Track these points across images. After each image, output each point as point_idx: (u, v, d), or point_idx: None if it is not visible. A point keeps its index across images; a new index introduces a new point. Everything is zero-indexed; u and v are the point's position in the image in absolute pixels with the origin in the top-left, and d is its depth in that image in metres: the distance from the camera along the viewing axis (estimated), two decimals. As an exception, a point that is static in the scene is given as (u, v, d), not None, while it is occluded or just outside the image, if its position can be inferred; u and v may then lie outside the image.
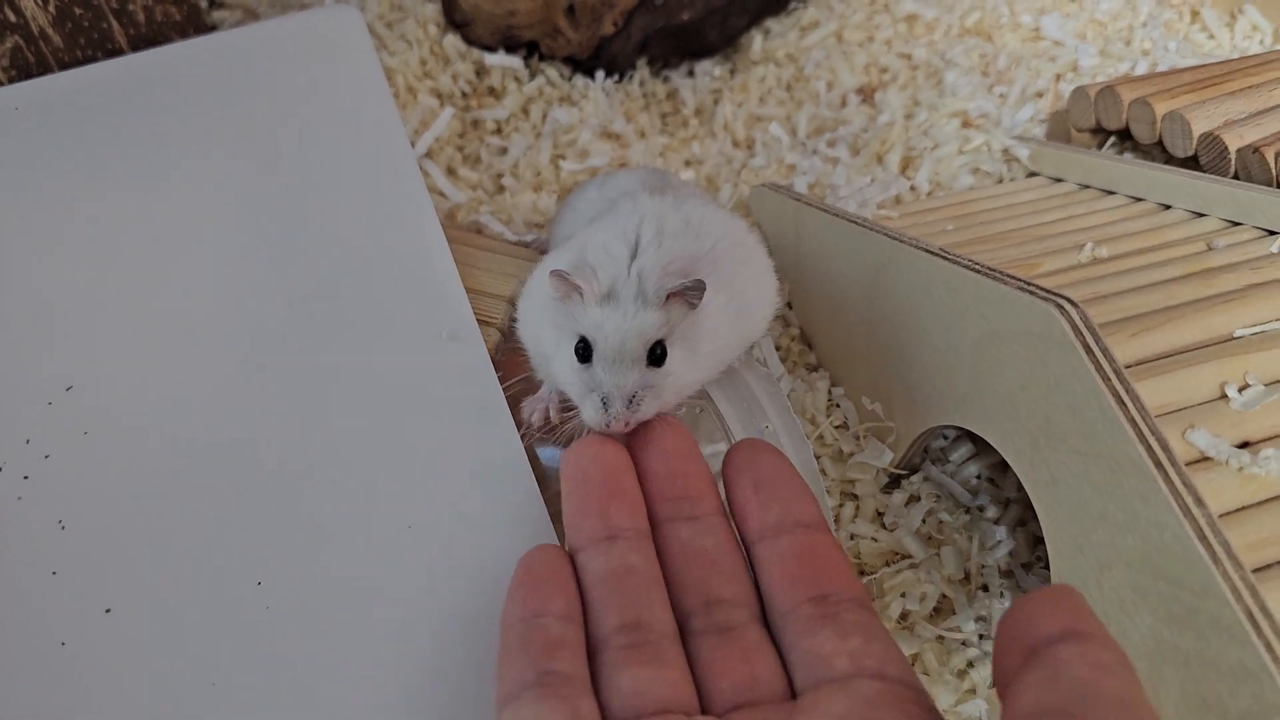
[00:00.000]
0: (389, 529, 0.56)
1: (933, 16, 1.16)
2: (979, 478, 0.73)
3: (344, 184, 0.71)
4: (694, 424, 0.64)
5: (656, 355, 0.55)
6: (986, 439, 0.61)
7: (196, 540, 0.56)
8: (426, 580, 0.54)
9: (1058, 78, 1.08)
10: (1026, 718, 0.33)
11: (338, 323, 0.64)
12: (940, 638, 0.65)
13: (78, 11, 0.83)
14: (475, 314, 0.65)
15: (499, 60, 1.05)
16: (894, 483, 0.73)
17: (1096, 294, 0.63)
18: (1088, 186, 0.87)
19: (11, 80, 0.80)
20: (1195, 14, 1.19)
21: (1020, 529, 0.69)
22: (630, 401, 0.53)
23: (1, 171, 0.69)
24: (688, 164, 1.02)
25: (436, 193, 0.93)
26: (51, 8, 0.81)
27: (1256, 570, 0.47)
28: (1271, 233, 0.70)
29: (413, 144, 0.96)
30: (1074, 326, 0.52)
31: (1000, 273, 0.58)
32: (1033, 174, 0.94)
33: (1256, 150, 0.76)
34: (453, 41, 1.05)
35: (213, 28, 1.06)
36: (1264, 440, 0.53)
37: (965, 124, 1.00)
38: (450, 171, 0.97)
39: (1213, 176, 0.75)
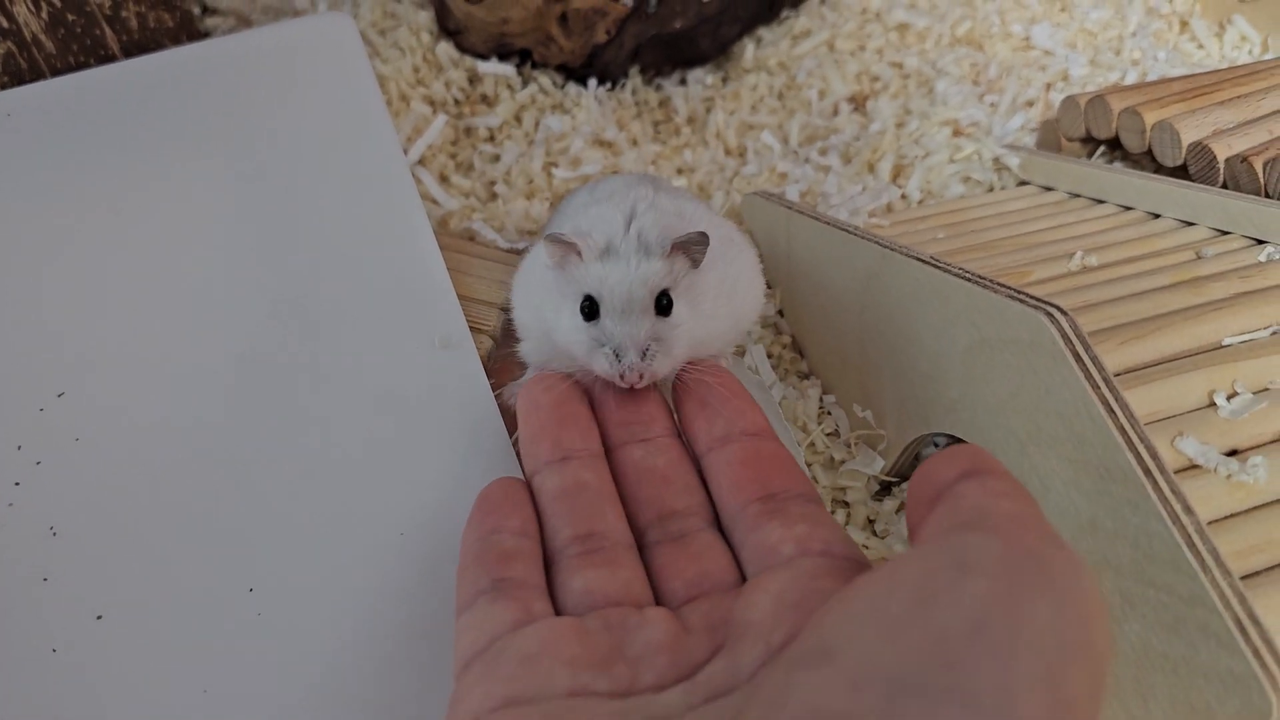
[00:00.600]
0: (381, 535, 0.56)
1: (924, 25, 1.17)
2: (970, 485, 0.73)
3: (336, 191, 0.71)
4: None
5: (663, 305, 0.54)
6: (977, 447, 0.61)
7: (188, 546, 0.56)
8: (419, 587, 0.54)
9: (1048, 87, 1.08)
10: (928, 540, 0.34)
11: (330, 330, 0.65)
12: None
13: (70, 18, 0.83)
14: (468, 321, 0.65)
15: (492, 68, 1.05)
16: (885, 490, 0.73)
17: (1086, 302, 0.64)
18: (1078, 195, 0.87)
19: (4, 87, 0.80)
20: (1184, 24, 1.20)
21: (1010, 536, 0.69)
22: (644, 354, 0.53)
23: (-5, 179, 0.69)
24: (680, 172, 1.02)
25: (429, 200, 0.93)
26: (44, 14, 0.81)
27: (1245, 577, 0.47)
28: (1260, 242, 0.70)
29: (405, 151, 0.96)
30: (1064, 335, 0.52)
31: (991, 281, 0.58)
32: (1023, 183, 0.95)
33: (1245, 160, 0.77)
34: (446, 49, 1.05)
35: (205, 34, 1.06)
36: (1252, 448, 0.53)
37: (956, 132, 1.01)
38: (443, 179, 0.97)
39: (1202, 186, 0.76)
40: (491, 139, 1.03)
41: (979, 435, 0.60)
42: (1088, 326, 0.57)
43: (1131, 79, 1.09)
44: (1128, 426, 0.49)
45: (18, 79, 0.80)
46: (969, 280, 0.59)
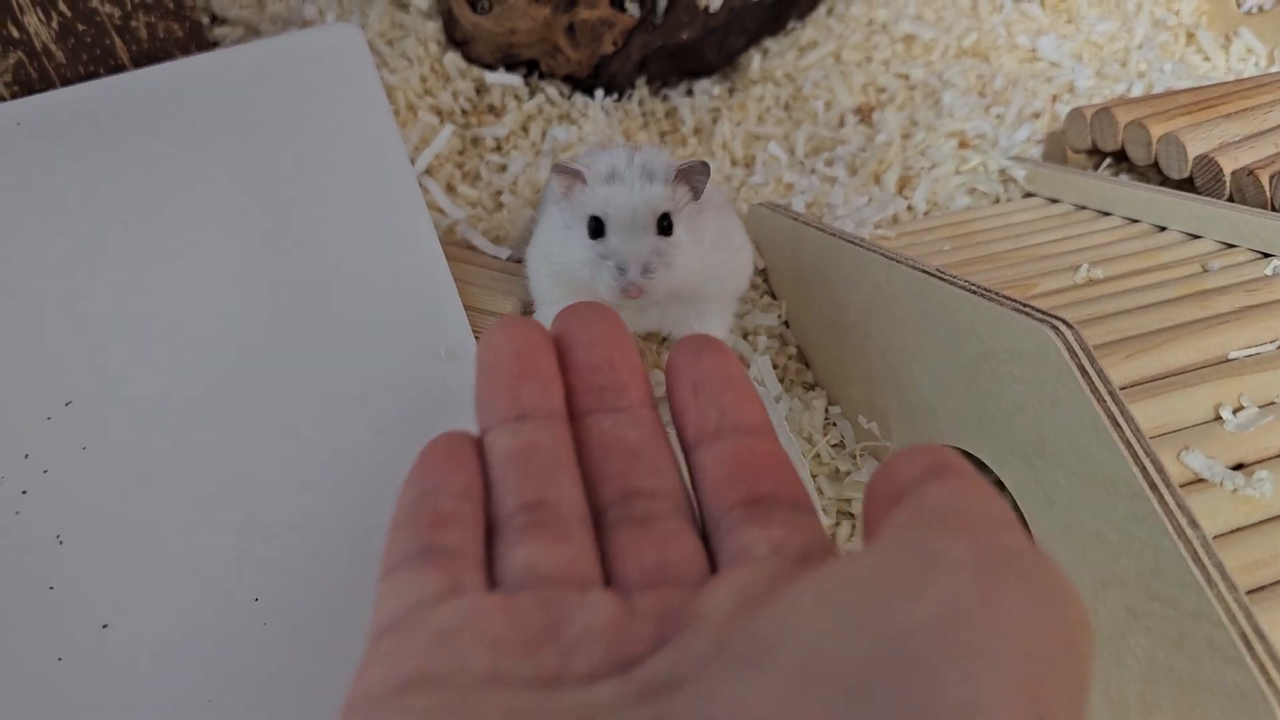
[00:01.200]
0: (380, 550, 0.56)
1: (930, 37, 1.17)
2: (975, 497, 0.73)
3: (343, 201, 0.71)
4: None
5: (665, 226, 0.60)
6: (982, 459, 0.61)
7: (194, 556, 0.56)
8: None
9: (1054, 98, 1.08)
10: (889, 539, 0.30)
11: (336, 341, 0.65)
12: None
13: (81, 27, 0.83)
14: (474, 332, 0.65)
15: (499, 78, 1.06)
16: (891, 502, 0.73)
17: (1092, 315, 0.64)
18: (1084, 207, 0.87)
19: (14, 96, 0.80)
20: (1191, 36, 1.20)
21: (1016, 549, 0.69)
22: (644, 269, 0.58)
23: (2, 187, 0.70)
24: (686, 182, 1.02)
25: (436, 209, 0.93)
26: (55, 24, 0.81)
27: (1251, 592, 0.47)
28: (1266, 255, 0.70)
29: (413, 161, 0.96)
30: (1069, 348, 0.52)
31: (996, 293, 0.58)
32: (1029, 194, 0.95)
33: (1251, 173, 0.77)
34: (453, 59, 1.06)
35: (215, 44, 1.07)
36: (1258, 462, 0.53)
37: (962, 144, 1.01)
38: (450, 188, 0.97)
39: (1208, 199, 0.76)
40: (498, 149, 1.03)
41: (985, 448, 0.61)
42: (1093, 340, 0.57)
43: (1138, 91, 1.10)
44: (1133, 440, 0.49)
45: (28, 88, 0.81)
46: (974, 293, 0.59)
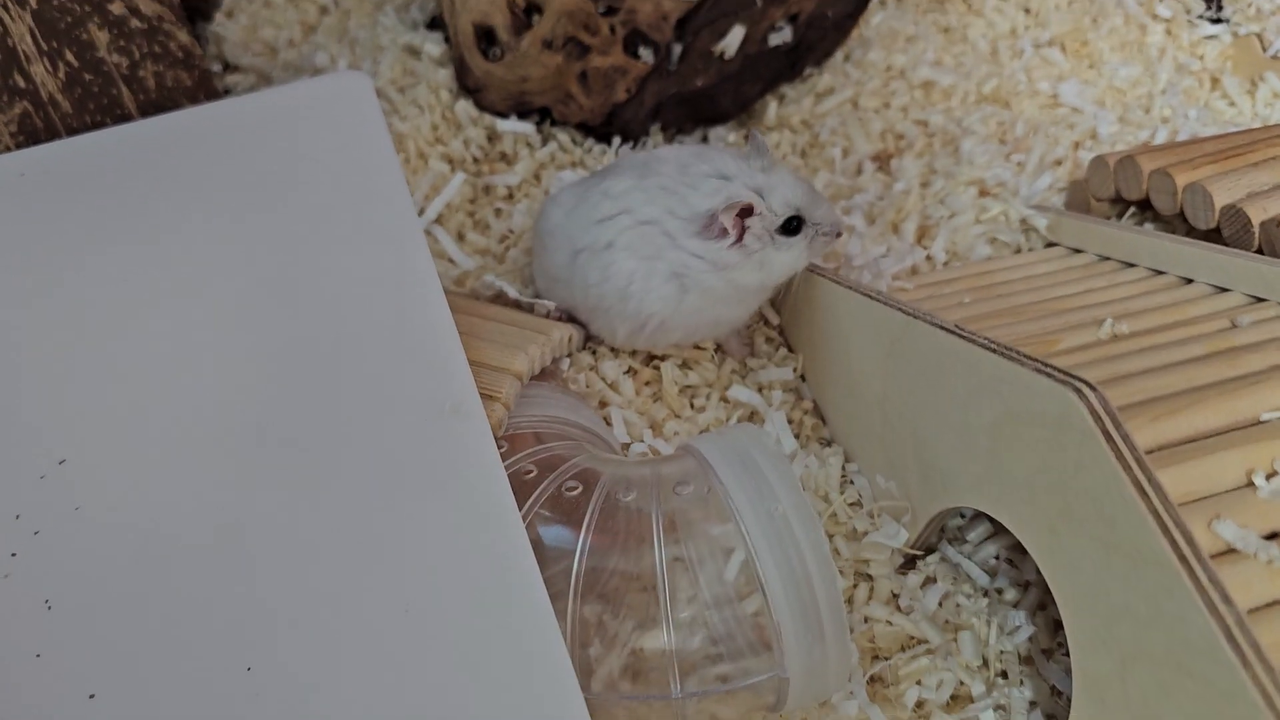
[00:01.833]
0: (384, 613, 0.54)
1: (949, 83, 1.15)
2: (997, 558, 0.71)
3: (347, 252, 0.70)
4: (703, 504, 0.62)
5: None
6: (1004, 523, 0.59)
7: (185, 623, 0.54)
8: (422, 665, 0.52)
9: (1076, 145, 1.07)
10: None
11: (337, 395, 0.63)
12: (957, 729, 0.62)
13: (87, 77, 0.83)
14: (479, 388, 0.64)
15: (511, 126, 1.05)
16: (909, 563, 0.71)
17: (1116, 374, 0.61)
18: (1108, 258, 0.85)
19: (19, 146, 0.79)
20: (1215, 81, 1.18)
21: (1041, 613, 0.67)
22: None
23: (3, 241, 0.69)
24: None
25: (445, 259, 0.92)
26: (61, 73, 0.81)
27: (1289, 673, 0.44)
28: (1298, 310, 0.68)
29: (423, 210, 0.96)
30: (1093, 411, 0.50)
31: (1017, 352, 0.56)
32: (1051, 244, 0.93)
33: (1281, 224, 0.75)
34: (465, 107, 1.05)
35: (226, 92, 1.07)
36: (1294, 532, 0.51)
37: (982, 192, 0.99)
38: (460, 237, 0.96)
39: (1236, 250, 0.73)
40: (510, 197, 1.02)
41: (1005, 511, 0.58)
42: (1118, 400, 0.55)
43: (1162, 137, 1.08)
44: (1161, 508, 0.47)
45: (33, 139, 0.80)
46: (994, 350, 0.57)
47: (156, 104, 0.88)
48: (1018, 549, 0.70)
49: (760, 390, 0.83)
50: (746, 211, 0.69)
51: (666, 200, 0.72)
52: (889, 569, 0.70)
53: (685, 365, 0.85)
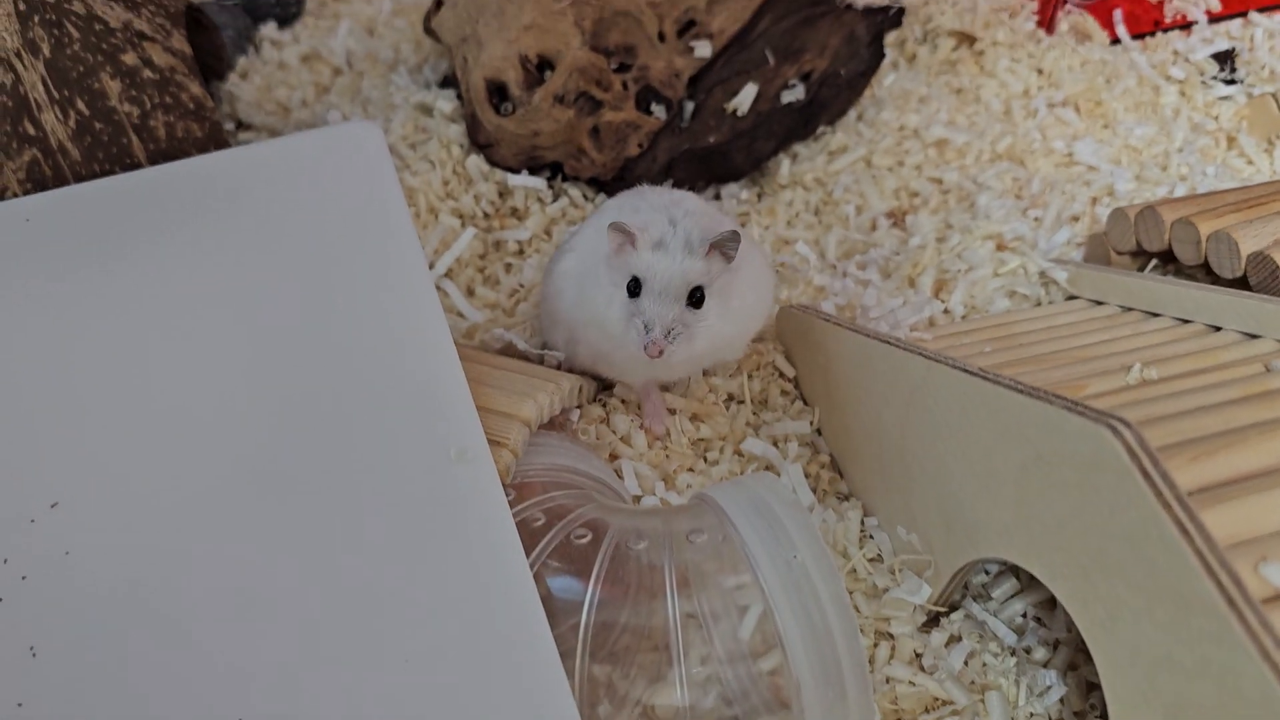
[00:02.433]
0: (385, 661, 0.52)
1: (963, 142, 1.14)
2: (1025, 616, 0.68)
3: (356, 301, 0.69)
4: (718, 554, 0.60)
5: (695, 299, 0.68)
6: (1034, 573, 0.56)
7: (176, 672, 0.52)
8: (423, 717, 0.50)
9: (1094, 201, 1.05)
10: None
11: (343, 441, 0.61)
12: (987, 794, 0.59)
13: (98, 126, 0.82)
14: (486, 434, 0.62)
15: (522, 181, 1.04)
16: (933, 621, 0.68)
17: (1149, 416, 0.59)
18: (1131, 309, 0.83)
19: (27, 194, 0.78)
20: (1232, 140, 1.17)
21: (1072, 673, 0.64)
22: (668, 334, 0.66)
23: (6, 284, 0.67)
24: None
25: (454, 313, 0.90)
26: (72, 121, 0.80)
27: (1349, 725, 0.41)
28: (1332, 354, 0.66)
29: (433, 264, 0.94)
30: (1129, 449, 0.48)
31: (1046, 393, 0.54)
32: (1072, 297, 0.91)
33: (1309, 270, 0.73)
34: (476, 162, 1.04)
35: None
36: (1345, 576, 0.48)
37: (999, 246, 0.97)
38: (469, 292, 0.95)
39: (1266, 296, 0.71)
40: (520, 252, 1.01)
41: (1035, 561, 0.56)
42: (1152, 442, 0.52)
43: (1180, 194, 1.06)
44: (1205, 551, 0.45)
45: (41, 186, 0.79)
46: (1022, 392, 0.55)
47: (166, 154, 0.87)
48: (1046, 606, 0.68)
49: (775, 443, 0.80)
50: (630, 236, 0.69)
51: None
52: (911, 627, 0.67)
53: (697, 418, 0.83)
